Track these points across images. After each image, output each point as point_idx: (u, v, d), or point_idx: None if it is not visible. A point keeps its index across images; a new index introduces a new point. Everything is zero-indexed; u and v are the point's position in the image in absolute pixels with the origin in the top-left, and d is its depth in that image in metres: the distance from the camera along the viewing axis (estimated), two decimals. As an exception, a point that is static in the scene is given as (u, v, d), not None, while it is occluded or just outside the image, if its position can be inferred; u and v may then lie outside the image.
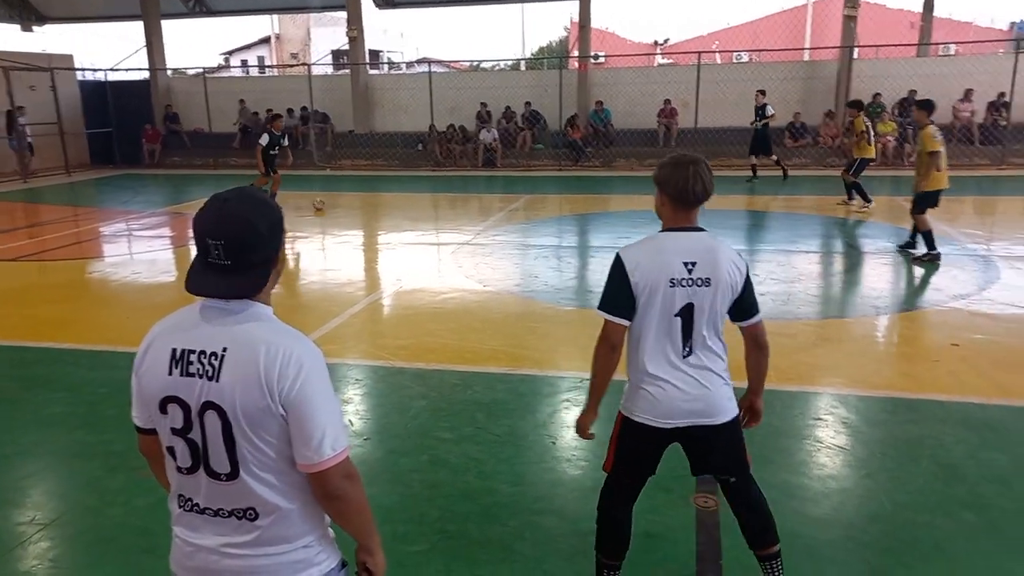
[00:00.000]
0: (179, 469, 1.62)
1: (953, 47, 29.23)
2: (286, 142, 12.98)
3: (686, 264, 2.44)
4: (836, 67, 18.07)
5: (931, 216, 8.18)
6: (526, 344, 5.89)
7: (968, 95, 16.82)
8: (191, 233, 1.60)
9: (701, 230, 2.53)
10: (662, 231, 2.57)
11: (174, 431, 1.59)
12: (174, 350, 1.58)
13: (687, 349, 2.49)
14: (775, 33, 34.16)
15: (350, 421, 4.46)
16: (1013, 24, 33.23)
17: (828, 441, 4.15)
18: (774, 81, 18.23)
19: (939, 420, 4.37)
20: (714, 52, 30.79)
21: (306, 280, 8.26)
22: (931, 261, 7.99)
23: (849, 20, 17.78)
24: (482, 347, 5.78)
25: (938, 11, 23.85)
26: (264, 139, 12.09)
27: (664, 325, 2.47)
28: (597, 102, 19.03)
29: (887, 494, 3.64)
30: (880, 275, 7.93)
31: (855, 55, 18.86)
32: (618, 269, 2.51)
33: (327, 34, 33.39)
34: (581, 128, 18.66)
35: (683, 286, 2.44)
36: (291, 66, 28.79)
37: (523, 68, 30.55)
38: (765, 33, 34.67)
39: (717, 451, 2.61)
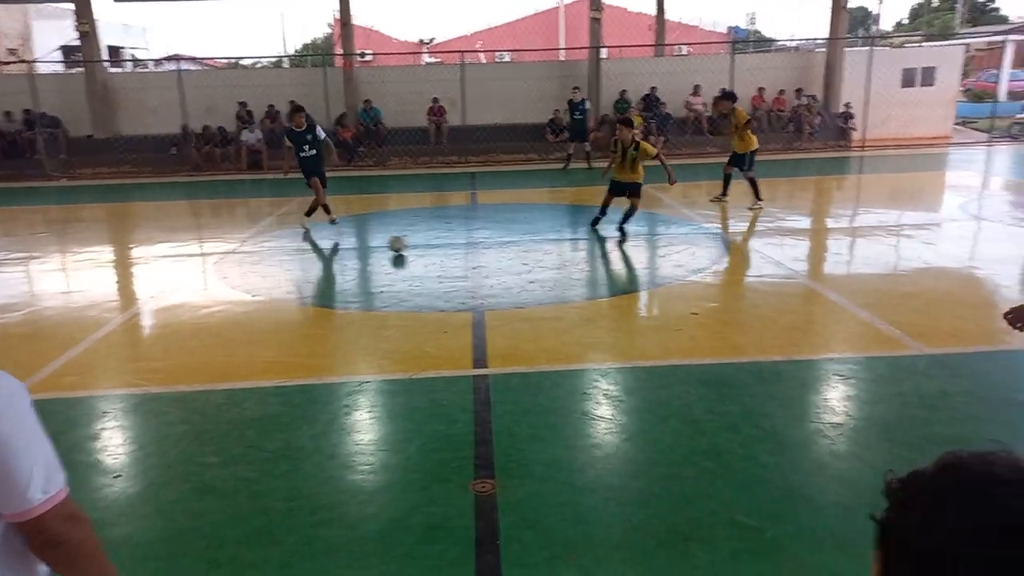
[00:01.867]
0: None
1: (685, 48, 32.71)
2: (321, 135, 10.18)
3: None
4: (587, 66, 19.43)
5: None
6: (301, 353, 5.68)
7: (697, 90, 18.93)
8: None
9: None
10: None
11: None
12: None
13: None
14: (532, 34, 36.04)
15: (98, 459, 4.01)
16: (730, 28, 37.98)
17: (592, 413, 4.47)
18: (533, 79, 19.23)
19: (683, 381, 4.88)
20: (478, 51, 31.76)
21: (40, 305, 7.29)
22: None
23: (595, 22, 19.20)
24: (252, 361, 5.47)
25: (669, 15, 26.59)
26: (287, 141, 10.16)
27: None
28: (365, 101, 18.80)
29: (643, 454, 4.01)
30: (633, 257, 8.66)
31: (604, 55, 20.48)
32: None
33: (53, 27, 29.55)
34: (352, 127, 18.34)
35: None
36: (8, 63, 25.13)
37: (286, 66, 29.37)
38: (523, 34, 36.44)
39: None
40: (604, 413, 4.46)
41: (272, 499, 3.55)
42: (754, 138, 10.99)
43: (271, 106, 18.69)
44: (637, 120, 18.11)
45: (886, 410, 4.49)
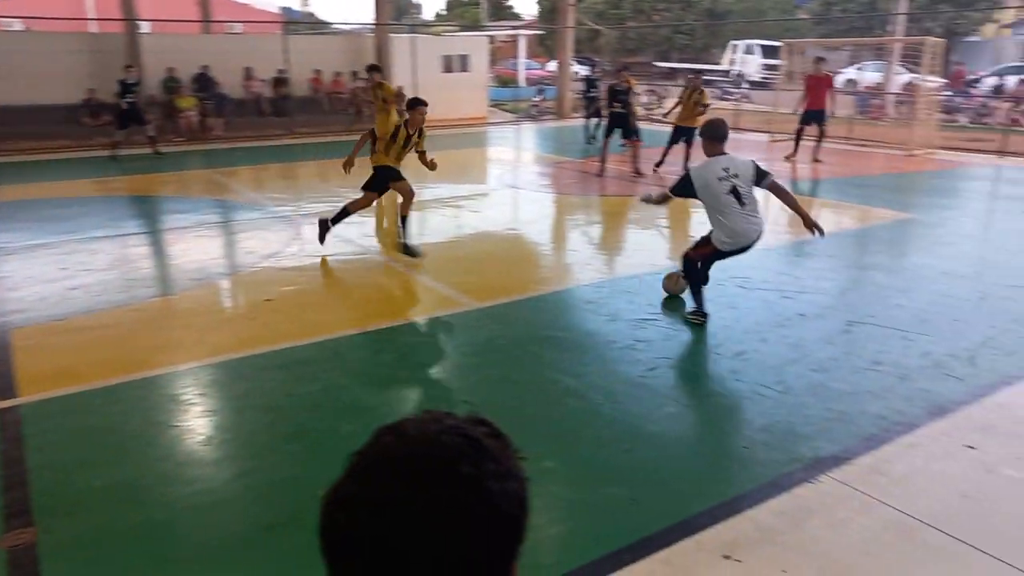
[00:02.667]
0: None
1: (239, 26, 31.35)
2: None
3: (724, 169, 5.18)
4: (123, 40, 17.34)
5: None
6: None
7: (250, 72, 18.30)
8: None
9: (726, 154, 5.32)
10: (710, 158, 5.32)
11: None
12: None
13: (742, 205, 5.14)
14: (53, 1, 30.76)
15: None
16: (283, 9, 37.56)
17: (161, 422, 4.06)
18: (59, 53, 16.49)
19: (262, 370, 4.74)
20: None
21: None
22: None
23: (127, -8, 17.16)
24: None
25: (215, -9, 25.10)
26: None
27: (725, 199, 5.15)
28: None
29: (222, 453, 3.79)
30: (200, 248, 8.06)
31: (147, 29, 18.47)
32: (687, 179, 5.34)
33: None
34: None
35: (726, 180, 5.14)
36: None
37: None
38: (41, 0, 30.87)
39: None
40: (175, 420, 4.10)
41: None
42: (396, 116, 10.26)
43: None
44: (190, 101, 16.89)
45: (448, 364, 4.98)
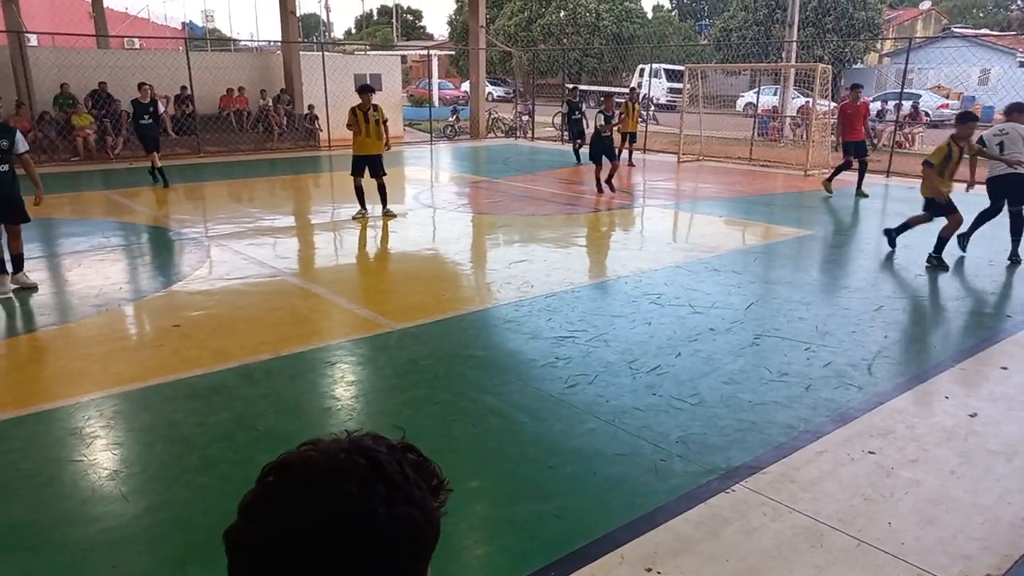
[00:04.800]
0: None
1: (138, 41, 30.19)
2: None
3: (1000, 130, 8.11)
4: (7, 54, 16.39)
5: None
6: None
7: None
8: None
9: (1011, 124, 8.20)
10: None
11: None
12: None
13: (1002, 152, 8.03)
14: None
15: None
16: (184, 24, 36.36)
17: (68, 458, 3.83)
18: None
19: (169, 399, 4.54)
20: None
21: None
22: None
23: (9, 4, 16.25)
24: None
25: (112, 4, 24.09)
26: None
27: (995, 149, 8.09)
28: None
29: (126, 488, 3.60)
30: (102, 272, 7.66)
31: (34, 42, 17.52)
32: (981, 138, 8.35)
33: None
34: None
35: (997, 137, 8.08)
36: None
37: None
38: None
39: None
40: (77, 455, 3.87)
41: None
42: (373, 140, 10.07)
43: None
44: (86, 119, 16.09)
45: (368, 386, 4.91)
